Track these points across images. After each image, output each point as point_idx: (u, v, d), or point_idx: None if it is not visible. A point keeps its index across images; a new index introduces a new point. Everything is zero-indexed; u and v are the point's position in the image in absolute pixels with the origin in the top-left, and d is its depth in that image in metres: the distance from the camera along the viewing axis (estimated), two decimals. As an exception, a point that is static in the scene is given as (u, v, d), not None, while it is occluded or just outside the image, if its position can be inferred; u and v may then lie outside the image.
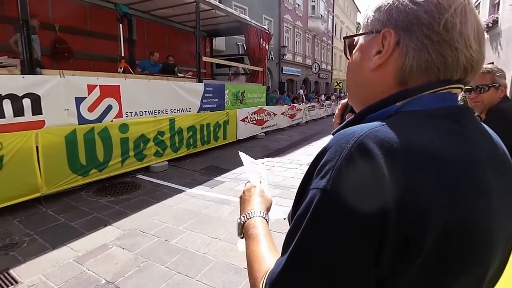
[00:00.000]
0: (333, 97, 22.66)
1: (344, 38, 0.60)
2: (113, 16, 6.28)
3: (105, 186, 4.49)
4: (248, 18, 8.58)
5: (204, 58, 7.27)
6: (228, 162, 6.04)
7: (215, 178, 4.97)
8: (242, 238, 0.71)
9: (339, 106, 0.73)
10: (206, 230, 3.11)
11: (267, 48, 9.60)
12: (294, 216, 0.42)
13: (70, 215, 3.44)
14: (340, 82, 25.48)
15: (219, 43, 12.43)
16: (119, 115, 4.77)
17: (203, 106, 6.68)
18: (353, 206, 0.36)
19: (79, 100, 4.22)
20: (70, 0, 6.37)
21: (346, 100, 0.68)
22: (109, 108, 4.61)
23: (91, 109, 4.37)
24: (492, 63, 9.57)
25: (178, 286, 2.22)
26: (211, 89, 6.91)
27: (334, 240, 0.37)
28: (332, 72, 31.79)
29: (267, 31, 9.55)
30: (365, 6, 0.56)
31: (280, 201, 3.84)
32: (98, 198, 4.02)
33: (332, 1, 29.85)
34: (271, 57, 18.88)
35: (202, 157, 6.47)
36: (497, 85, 1.60)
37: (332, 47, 31.33)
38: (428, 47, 0.44)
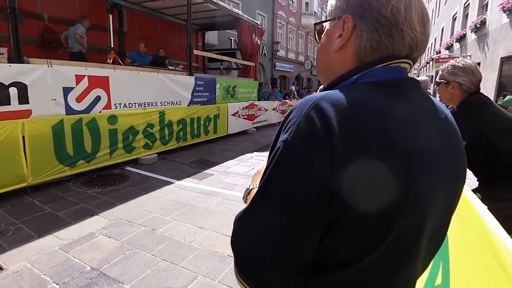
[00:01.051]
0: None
1: (314, 24, 0.67)
2: (103, 6, 6.21)
3: (93, 177, 4.48)
4: (240, 13, 8.56)
5: (195, 52, 7.26)
6: (218, 156, 6.08)
7: (204, 171, 5.01)
8: (245, 203, 0.77)
9: None
10: (193, 220, 3.16)
11: (259, 43, 9.61)
12: None
13: (57, 205, 3.44)
14: (332, 80, 25.60)
15: (212, 37, 12.38)
16: (108, 106, 4.74)
17: (194, 100, 6.67)
18: (306, 151, 0.44)
19: (67, 90, 4.19)
20: (59, -11, 6.25)
21: None
22: (97, 99, 4.58)
23: (79, 99, 4.34)
24: (479, 63, 9.79)
25: (163, 272, 2.27)
26: (202, 82, 6.91)
27: (293, 178, 0.45)
28: (324, 70, 31.91)
29: (259, 26, 9.55)
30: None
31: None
32: (85, 189, 4.02)
33: (326, -1, 29.92)
34: (264, 53, 18.88)
35: (192, 151, 6.49)
36: (446, 81, 1.69)
37: (325, 45, 31.43)
38: (378, 29, 0.52)
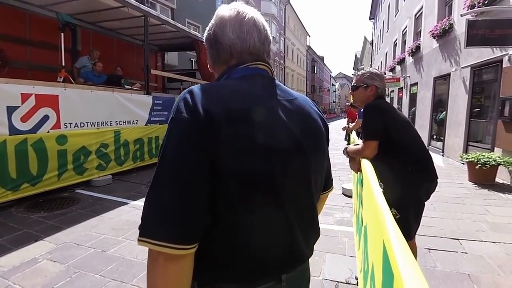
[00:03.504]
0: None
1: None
2: (54, 24, 6.05)
3: (38, 201, 4.20)
4: (199, 35, 8.80)
5: (153, 71, 7.27)
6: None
7: (162, 190, 4.93)
8: None
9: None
10: (147, 238, 3.10)
11: (218, 65, 9.87)
12: None
13: (-5, 232, 3.17)
14: (292, 100, 26.67)
15: (172, 58, 12.46)
16: (57, 126, 4.55)
17: (152, 119, 6.62)
18: (184, 118, 0.62)
19: (11, 109, 3.97)
20: (8, 6, 6.00)
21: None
22: (45, 118, 4.39)
23: (24, 119, 4.13)
24: (417, 83, 10.89)
25: (111, 292, 2.21)
26: (161, 102, 6.90)
27: (179, 143, 0.61)
28: (285, 90, 33.19)
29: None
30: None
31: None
32: (29, 214, 3.76)
33: (283, 25, 31.70)
34: (225, 74, 19.28)
35: (151, 170, 6.35)
36: (366, 84, 2.01)
37: (284, 67, 32.95)
38: (213, 47, 0.80)
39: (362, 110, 5.88)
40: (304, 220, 0.76)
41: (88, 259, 2.68)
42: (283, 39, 31.90)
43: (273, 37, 26.37)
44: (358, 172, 2.08)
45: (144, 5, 6.96)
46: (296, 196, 0.72)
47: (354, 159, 2.08)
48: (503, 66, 6.13)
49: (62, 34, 5.34)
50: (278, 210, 0.68)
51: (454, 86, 8.70)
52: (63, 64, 5.33)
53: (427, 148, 1.92)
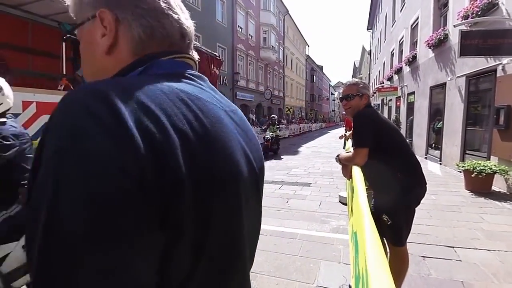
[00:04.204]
0: (285, 121, 23.77)
1: (67, 37, 0.69)
2: (57, 34, 6.17)
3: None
4: (198, 44, 8.95)
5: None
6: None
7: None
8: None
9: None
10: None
11: (217, 73, 10.01)
12: None
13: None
14: (291, 108, 26.98)
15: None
16: (57, 133, 4.61)
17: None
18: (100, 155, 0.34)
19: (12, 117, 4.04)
20: (11, 15, 6.13)
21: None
22: (46, 126, 4.45)
23: (26, 125, 4.18)
24: (414, 92, 11.01)
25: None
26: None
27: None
28: (284, 99, 33.54)
29: (217, 57, 10.01)
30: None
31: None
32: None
33: (282, 34, 32.15)
34: (225, 83, 19.48)
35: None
36: (361, 94, 2.07)
37: (283, 76, 33.28)
38: (144, 16, 0.49)
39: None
40: None
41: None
42: (282, 49, 32.30)
43: (272, 46, 26.75)
44: (350, 179, 2.12)
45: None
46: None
47: (346, 166, 2.12)
48: (497, 75, 6.24)
49: (64, 43, 5.45)
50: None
51: (450, 95, 8.81)
52: (64, 73, 5.42)
53: (421, 156, 1.97)
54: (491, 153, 6.34)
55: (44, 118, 4.48)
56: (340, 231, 3.56)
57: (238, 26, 21.95)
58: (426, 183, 1.98)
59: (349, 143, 5.94)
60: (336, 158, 2.24)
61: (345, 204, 4.60)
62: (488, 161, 6.00)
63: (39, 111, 4.34)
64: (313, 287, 2.35)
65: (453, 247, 3.19)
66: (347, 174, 2.11)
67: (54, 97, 4.68)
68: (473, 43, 5.52)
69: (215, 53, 10.25)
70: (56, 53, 6.10)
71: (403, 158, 1.95)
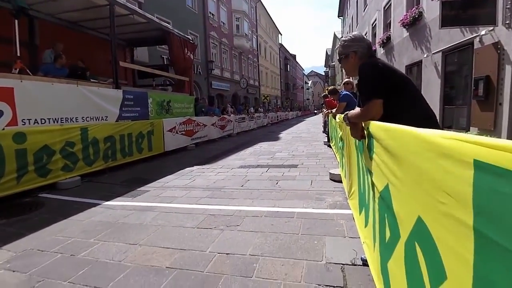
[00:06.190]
0: (261, 109, 23.60)
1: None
2: (6, 14, 5.42)
3: (-6, 208, 3.67)
4: (170, 26, 8.39)
5: (122, 63, 6.80)
6: (154, 173, 5.61)
7: (138, 189, 4.53)
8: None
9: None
10: (124, 238, 2.75)
11: (192, 58, 9.49)
12: None
13: None
14: (268, 96, 26.71)
15: (142, 54, 11.87)
16: (13, 122, 4.03)
17: (123, 115, 6.15)
18: None
19: (-47, 104, 3.43)
20: None
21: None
22: (-2, 114, 3.86)
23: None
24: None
25: (83, 299, 1.85)
26: (132, 96, 6.44)
27: None
28: (259, 88, 33.20)
29: (191, 41, 9.47)
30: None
31: (209, 201, 3.67)
32: (-18, 222, 3.25)
33: (255, 23, 31.61)
34: (199, 72, 18.81)
35: (124, 170, 5.88)
36: (344, 55, 1.97)
37: (258, 64, 32.85)
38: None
39: (342, 93, 5.81)
40: None
41: (54, 265, 2.29)
42: (255, 37, 31.78)
43: (245, 34, 26.20)
44: (362, 139, 1.88)
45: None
46: None
47: (356, 125, 1.88)
48: (475, 47, 6.30)
49: (16, 21, 4.76)
50: None
51: (427, 72, 8.92)
52: (19, 55, 4.76)
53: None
54: (471, 124, 6.45)
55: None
56: (338, 206, 3.36)
57: (210, 12, 21.19)
58: None
59: (338, 117, 5.77)
60: (344, 117, 1.99)
61: (337, 181, 4.42)
62: (468, 132, 6.09)
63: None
64: (322, 265, 2.11)
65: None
66: (358, 133, 1.86)
67: (7, 81, 4.05)
68: (453, 14, 5.48)
69: (188, 37, 9.71)
70: (9, 37, 5.37)
71: (421, 109, 1.72)
